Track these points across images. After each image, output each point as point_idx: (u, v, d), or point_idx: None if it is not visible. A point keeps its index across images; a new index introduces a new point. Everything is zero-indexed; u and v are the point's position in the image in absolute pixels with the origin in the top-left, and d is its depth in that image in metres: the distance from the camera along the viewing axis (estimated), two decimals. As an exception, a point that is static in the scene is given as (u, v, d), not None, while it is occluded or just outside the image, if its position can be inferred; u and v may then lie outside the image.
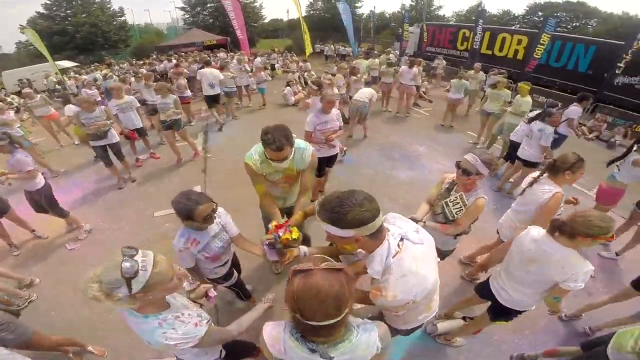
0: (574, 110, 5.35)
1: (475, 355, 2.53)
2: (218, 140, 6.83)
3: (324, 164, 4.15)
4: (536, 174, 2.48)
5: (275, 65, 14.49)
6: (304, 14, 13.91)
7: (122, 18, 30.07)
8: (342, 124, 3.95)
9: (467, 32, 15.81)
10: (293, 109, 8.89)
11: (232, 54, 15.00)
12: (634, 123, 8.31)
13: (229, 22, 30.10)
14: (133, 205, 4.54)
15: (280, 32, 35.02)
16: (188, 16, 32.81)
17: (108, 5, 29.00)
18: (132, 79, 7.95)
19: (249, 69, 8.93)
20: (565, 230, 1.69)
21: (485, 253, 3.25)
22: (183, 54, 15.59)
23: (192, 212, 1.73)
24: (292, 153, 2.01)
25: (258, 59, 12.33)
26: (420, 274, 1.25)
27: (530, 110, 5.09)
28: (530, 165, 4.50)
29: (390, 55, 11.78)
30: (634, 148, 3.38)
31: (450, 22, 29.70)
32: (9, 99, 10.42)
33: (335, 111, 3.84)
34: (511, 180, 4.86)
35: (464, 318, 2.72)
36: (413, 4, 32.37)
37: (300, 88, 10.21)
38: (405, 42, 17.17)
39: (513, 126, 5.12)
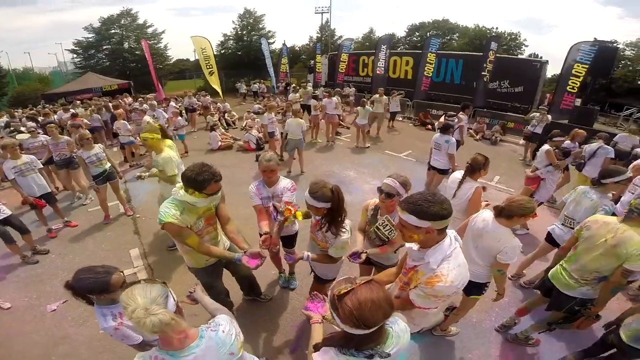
0: (461, 118, 6.52)
1: (468, 338, 2.93)
2: (143, 198, 6.07)
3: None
4: (460, 175, 3.10)
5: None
6: (215, 52, 13.87)
7: (-5, 62, 25.34)
8: (293, 201, 2.65)
9: (365, 59, 17.85)
10: (218, 154, 8.66)
11: (141, 99, 13.72)
12: (504, 120, 10.47)
13: (129, 65, 27.82)
14: (57, 278, 3.79)
15: (187, 72, 33.87)
16: (80, 59, 29.22)
17: (-25, 49, 24.29)
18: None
19: (165, 115, 8.46)
20: (504, 213, 2.19)
21: None
22: (80, 102, 13.58)
23: (107, 283, 1.65)
24: None
25: (172, 104, 11.68)
26: (466, 267, 1.49)
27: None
28: (443, 172, 5.28)
29: (321, 88, 12.42)
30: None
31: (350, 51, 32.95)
32: None
33: (283, 183, 2.78)
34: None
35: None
36: (319, 35, 34.96)
37: (224, 131, 10.05)
38: (319, 74, 18.37)
39: None
